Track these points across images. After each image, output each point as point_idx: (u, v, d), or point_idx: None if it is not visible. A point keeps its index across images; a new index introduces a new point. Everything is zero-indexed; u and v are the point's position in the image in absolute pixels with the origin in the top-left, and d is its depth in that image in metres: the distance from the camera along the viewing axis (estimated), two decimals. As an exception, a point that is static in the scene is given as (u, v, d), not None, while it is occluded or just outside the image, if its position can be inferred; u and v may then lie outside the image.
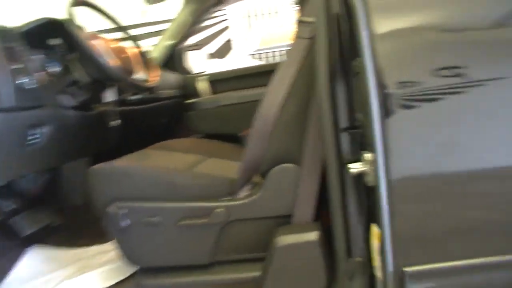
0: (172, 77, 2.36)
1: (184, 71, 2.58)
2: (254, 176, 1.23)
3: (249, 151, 1.15)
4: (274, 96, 1.08)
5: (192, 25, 2.58)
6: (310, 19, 1.02)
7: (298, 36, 1.06)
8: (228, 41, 5.96)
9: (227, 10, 5.67)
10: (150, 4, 2.61)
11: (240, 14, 6.06)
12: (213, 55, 5.58)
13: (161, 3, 2.52)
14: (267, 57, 6.37)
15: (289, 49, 1.10)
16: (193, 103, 2.32)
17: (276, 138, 1.11)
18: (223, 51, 5.74)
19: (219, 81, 2.44)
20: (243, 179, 1.20)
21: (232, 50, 6.12)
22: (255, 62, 6.27)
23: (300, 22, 1.06)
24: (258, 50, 6.41)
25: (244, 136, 1.86)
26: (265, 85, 1.13)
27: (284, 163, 1.13)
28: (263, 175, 1.17)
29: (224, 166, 1.38)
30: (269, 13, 6.36)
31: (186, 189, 1.21)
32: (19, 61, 1.19)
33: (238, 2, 4.24)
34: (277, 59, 6.48)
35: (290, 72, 1.06)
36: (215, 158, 1.52)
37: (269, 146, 1.12)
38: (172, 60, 2.49)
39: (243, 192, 1.23)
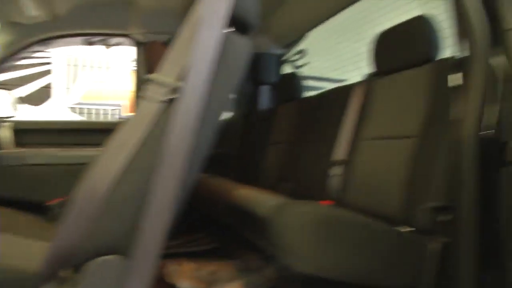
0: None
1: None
2: (62, 269, 0.90)
3: (61, 234, 0.85)
4: (108, 167, 0.84)
5: (4, 58, 2.13)
6: (168, 80, 0.87)
7: (147, 98, 0.88)
8: (47, 87, 5.19)
9: (53, 53, 5.02)
10: None
11: (67, 60, 5.41)
12: (24, 100, 4.77)
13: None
14: (89, 113, 5.82)
15: (136, 111, 0.90)
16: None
17: (103, 222, 0.85)
18: (39, 97, 4.96)
19: (27, 132, 2.01)
20: (47, 274, 0.86)
21: (50, 98, 5.37)
22: (75, 117, 5.63)
23: (152, 82, 0.88)
24: (80, 103, 5.81)
25: (53, 207, 1.48)
26: (86, 145, 0.89)
27: (107, 254, 0.87)
28: (76, 269, 0.87)
29: (16, 250, 0.99)
30: (100, 66, 5.94)
31: None
32: None
33: (66, 47, 3.79)
34: (101, 117, 5.99)
35: (133, 140, 0.86)
36: (5, 235, 1.11)
37: (91, 231, 0.84)
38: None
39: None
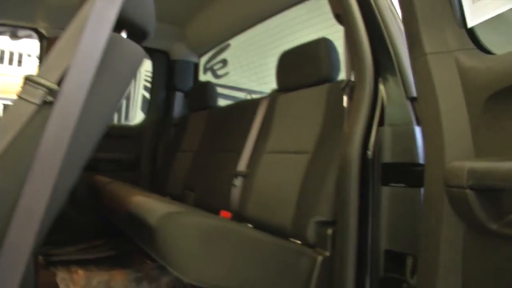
0: None
1: None
2: None
3: None
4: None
5: None
6: (44, 81, 0.82)
7: (23, 98, 0.82)
8: None
9: None
10: None
11: None
12: None
13: None
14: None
15: (8, 110, 0.84)
16: None
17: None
18: None
19: None
20: None
21: None
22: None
23: (30, 81, 0.82)
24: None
25: None
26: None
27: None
28: None
29: None
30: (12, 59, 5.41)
31: None
32: None
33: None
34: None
35: (2, 141, 0.79)
36: None
37: None
38: None
39: None
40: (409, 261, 1.04)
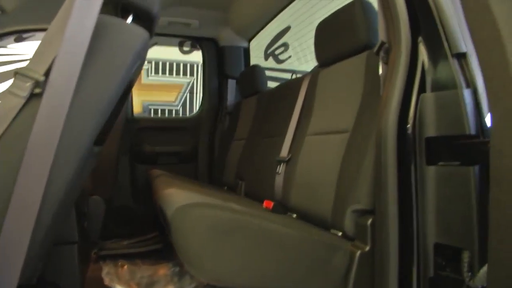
0: None
1: None
2: None
3: None
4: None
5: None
6: (31, 73, 0.78)
7: (12, 92, 0.80)
8: None
9: (27, 49, 4.89)
10: None
11: None
12: None
13: None
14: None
15: (-1, 106, 0.82)
16: None
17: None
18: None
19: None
20: None
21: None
22: None
23: (19, 75, 0.80)
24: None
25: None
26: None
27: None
28: None
29: None
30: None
31: None
32: None
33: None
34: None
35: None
36: None
37: None
38: None
39: None
40: (466, 257, 0.84)
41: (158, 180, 1.86)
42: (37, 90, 0.79)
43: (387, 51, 1.01)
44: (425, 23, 0.95)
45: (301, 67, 4.51)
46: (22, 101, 0.79)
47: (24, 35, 2.40)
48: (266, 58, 4.97)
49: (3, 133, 0.78)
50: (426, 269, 0.90)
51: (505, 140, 0.65)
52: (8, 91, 0.81)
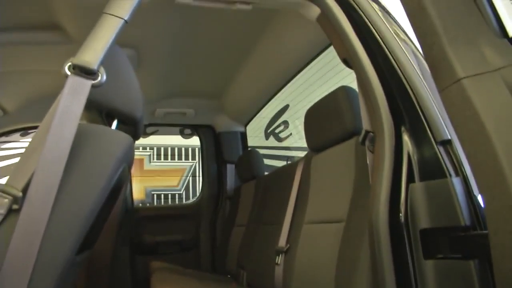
0: None
1: None
2: None
3: None
4: None
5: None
6: (9, 189, 0.78)
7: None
8: None
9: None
10: None
11: None
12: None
13: None
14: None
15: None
16: None
17: None
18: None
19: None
20: None
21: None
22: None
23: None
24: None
25: None
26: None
27: None
28: None
29: None
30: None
31: None
32: None
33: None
34: None
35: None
36: None
37: None
38: None
39: None
40: None
41: (156, 275, 1.78)
42: (15, 207, 0.78)
43: (372, 139, 1.01)
44: (407, 112, 0.95)
45: (303, 144, 4.56)
46: (0, 218, 0.78)
47: (30, 131, 2.49)
48: (267, 137, 5.05)
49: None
50: None
51: (505, 240, 0.61)
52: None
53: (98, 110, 1.02)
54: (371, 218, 0.92)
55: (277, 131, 5.10)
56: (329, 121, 1.35)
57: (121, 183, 1.10)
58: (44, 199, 0.78)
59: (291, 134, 5.00)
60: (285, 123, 5.06)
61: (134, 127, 1.05)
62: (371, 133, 1.01)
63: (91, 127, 0.91)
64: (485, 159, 0.65)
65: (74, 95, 0.86)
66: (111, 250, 2.27)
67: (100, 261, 2.17)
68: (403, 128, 0.95)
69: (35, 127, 2.37)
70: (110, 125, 1.02)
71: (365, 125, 1.04)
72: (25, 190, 0.78)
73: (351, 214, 1.15)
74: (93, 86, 0.88)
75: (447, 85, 0.70)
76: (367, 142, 1.02)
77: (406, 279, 0.86)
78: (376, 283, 0.90)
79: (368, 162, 1.03)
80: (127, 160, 0.99)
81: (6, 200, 0.79)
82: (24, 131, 2.51)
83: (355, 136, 1.25)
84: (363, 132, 1.03)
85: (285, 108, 5.01)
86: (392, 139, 0.95)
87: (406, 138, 0.94)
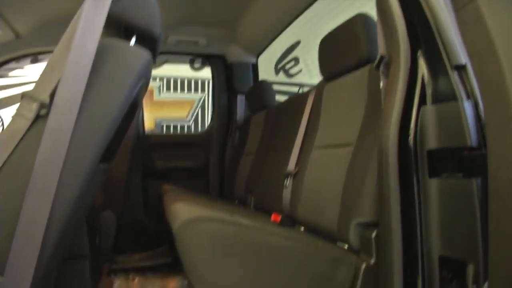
0: None
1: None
2: None
3: None
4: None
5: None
6: (37, 95, 0.82)
7: (19, 114, 0.83)
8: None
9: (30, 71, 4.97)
10: None
11: None
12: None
13: None
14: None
15: (6, 127, 0.85)
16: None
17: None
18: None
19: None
20: None
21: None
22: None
23: (25, 97, 0.83)
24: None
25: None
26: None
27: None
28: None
29: None
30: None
31: None
32: None
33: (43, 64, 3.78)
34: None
35: (0, 157, 0.81)
36: None
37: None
38: None
39: None
40: (471, 270, 0.83)
41: (168, 194, 1.89)
42: (43, 112, 0.82)
43: (387, 64, 1.02)
44: (424, 36, 0.95)
45: (313, 80, 4.52)
46: (28, 123, 0.82)
47: (40, 57, 2.48)
48: (277, 73, 5.00)
49: (11, 154, 0.82)
50: (432, 282, 0.89)
51: (502, 152, 0.65)
52: (15, 113, 0.85)
53: (117, 25, 1.03)
54: (381, 138, 0.96)
55: (287, 67, 5.03)
56: (344, 48, 1.35)
57: (139, 99, 1.14)
58: (70, 106, 0.82)
59: (301, 70, 4.94)
60: (295, 59, 4.98)
61: (153, 44, 1.07)
62: (387, 57, 1.02)
63: (112, 42, 0.93)
64: (491, 75, 0.67)
65: (96, 8, 0.87)
66: (126, 172, 2.37)
67: (116, 182, 2.29)
68: (419, 52, 0.96)
69: (49, 52, 2.37)
70: (129, 41, 1.03)
71: (381, 49, 1.05)
72: (51, 97, 0.82)
73: (360, 138, 1.19)
74: (113, 0, 0.89)
75: (463, 4, 0.70)
76: (381, 67, 1.03)
77: (411, 198, 0.92)
78: (381, 199, 0.96)
79: (381, 87, 1.05)
80: (146, 76, 1.02)
81: (35, 105, 0.83)
82: (35, 57, 2.51)
83: (369, 64, 1.26)
84: (378, 57, 1.04)
85: (296, 44, 4.91)
86: (407, 62, 0.96)
87: (421, 62, 0.95)
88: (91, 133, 0.87)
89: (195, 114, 5.31)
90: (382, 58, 1.03)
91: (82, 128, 0.83)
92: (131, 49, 0.95)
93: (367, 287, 0.98)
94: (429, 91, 0.94)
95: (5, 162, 0.80)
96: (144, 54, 0.95)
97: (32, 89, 0.84)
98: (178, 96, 5.25)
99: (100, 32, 0.86)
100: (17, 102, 0.86)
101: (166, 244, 2.34)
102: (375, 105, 1.17)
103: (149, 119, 4.71)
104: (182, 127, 5.25)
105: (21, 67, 3.12)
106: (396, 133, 0.94)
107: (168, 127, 5.20)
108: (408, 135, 0.93)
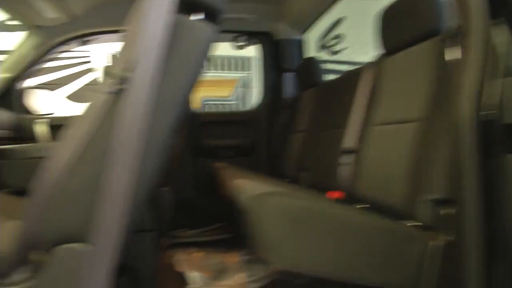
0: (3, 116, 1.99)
1: (22, 110, 2.20)
2: (33, 253, 0.92)
3: (27, 219, 0.87)
4: (62, 157, 0.85)
5: (35, 60, 2.26)
6: (116, 70, 0.85)
7: (98, 90, 0.87)
8: (92, 83, 5.31)
9: (92, 51, 5.15)
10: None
11: (106, 57, 5.51)
12: (71, 98, 5.00)
13: None
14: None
15: (90, 103, 0.90)
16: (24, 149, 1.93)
17: (62, 210, 0.86)
18: (84, 94, 5.13)
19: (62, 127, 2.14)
20: (17, 255, 0.89)
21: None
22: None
23: (107, 73, 0.87)
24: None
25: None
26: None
27: (71, 241, 0.88)
28: (44, 253, 0.89)
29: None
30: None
31: None
32: None
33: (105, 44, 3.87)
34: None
35: (83, 132, 0.85)
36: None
37: (52, 218, 0.86)
38: (8, 96, 2.11)
39: (20, 275, 0.91)
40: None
41: (226, 172, 1.92)
42: (121, 86, 0.86)
43: (460, 36, 0.98)
44: (501, 6, 0.91)
45: (358, 58, 4.41)
46: (107, 98, 0.86)
47: (92, 38, 2.56)
48: (319, 50, 4.92)
49: (95, 127, 0.86)
50: None
51: None
52: (99, 89, 0.89)
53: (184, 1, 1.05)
54: (456, 113, 0.93)
55: (330, 44, 4.93)
56: (409, 20, 1.30)
57: (200, 74, 1.16)
58: (149, 80, 0.86)
59: (346, 47, 4.83)
60: (339, 36, 4.87)
61: (214, 18, 1.07)
62: (461, 28, 0.98)
63: (182, 18, 0.94)
64: None
65: None
66: (178, 148, 2.44)
67: (172, 159, 2.36)
68: (497, 21, 0.91)
69: (104, 32, 2.45)
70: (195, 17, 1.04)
71: (454, 20, 1.01)
72: (131, 73, 0.85)
73: (430, 112, 1.16)
74: None
75: None
76: (453, 40, 1.00)
77: (489, 174, 0.89)
78: (458, 176, 0.94)
79: (451, 59, 1.02)
80: (209, 51, 1.03)
81: (115, 81, 0.87)
82: (85, 39, 2.59)
83: (435, 36, 1.21)
84: (451, 28, 1.00)
85: (341, 20, 4.80)
86: (484, 34, 0.92)
87: (499, 32, 0.91)
88: (168, 107, 0.90)
89: (238, 93, 5.34)
90: (455, 28, 0.99)
91: (160, 102, 0.87)
92: (201, 25, 0.96)
93: (437, 264, 0.97)
94: (506, 64, 0.90)
95: (90, 136, 0.85)
96: (211, 29, 0.96)
97: (112, 66, 0.88)
98: (221, 74, 5.29)
99: (174, 8, 0.87)
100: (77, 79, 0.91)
101: (221, 221, 2.41)
102: (443, 79, 1.13)
103: (195, 98, 4.78)
104: (225, 106, 5.31)
105: (74, 49, 3.24)
106: (473, 106, 0.91)
107: (211, 106, 5.27)
108: (484, 108, 0.90)
